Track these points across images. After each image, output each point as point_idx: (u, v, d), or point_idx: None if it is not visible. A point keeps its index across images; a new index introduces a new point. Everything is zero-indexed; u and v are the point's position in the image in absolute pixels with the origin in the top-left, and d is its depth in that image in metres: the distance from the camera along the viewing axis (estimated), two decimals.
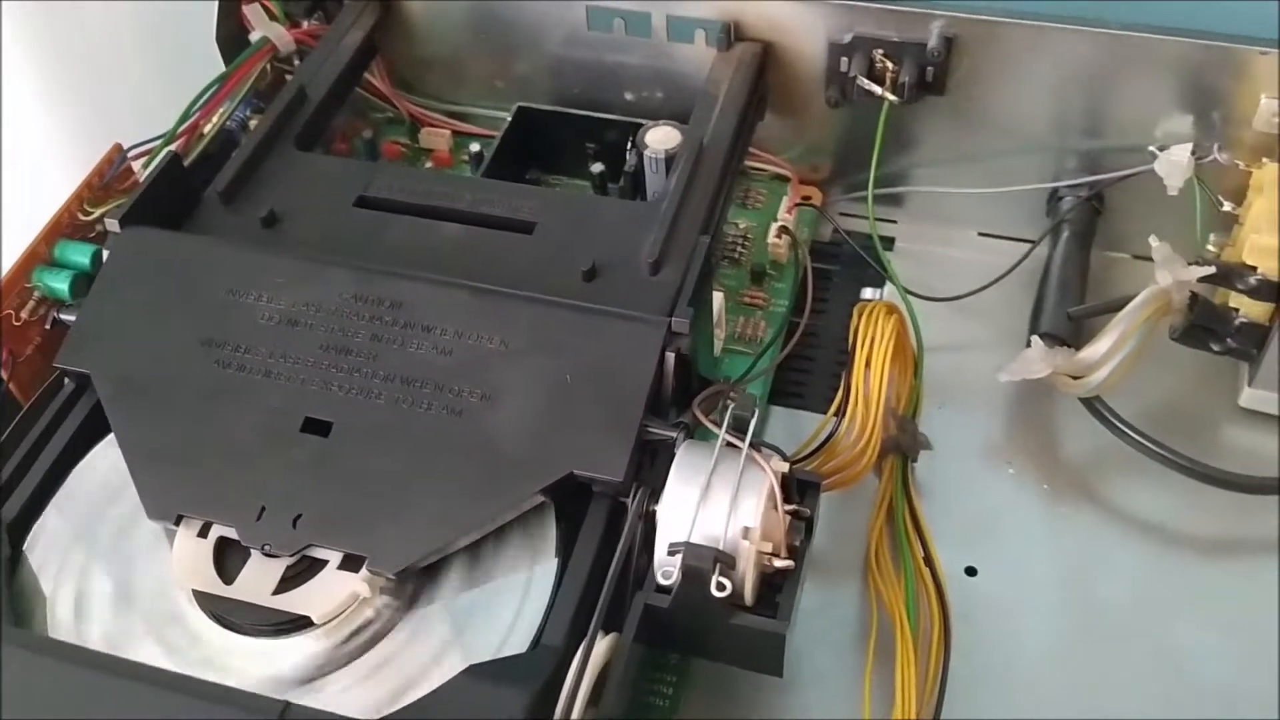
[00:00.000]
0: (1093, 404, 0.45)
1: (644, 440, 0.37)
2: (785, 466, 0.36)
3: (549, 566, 0.37)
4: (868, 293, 0.47)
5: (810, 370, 0.50)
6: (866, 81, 0.48)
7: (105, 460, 0.40)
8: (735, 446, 0.36)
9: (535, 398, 0.38)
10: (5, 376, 0.44)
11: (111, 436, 0.39)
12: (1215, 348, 0.46)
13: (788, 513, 0.36)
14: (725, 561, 0.33)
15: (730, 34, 0.50)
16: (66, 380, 0.41)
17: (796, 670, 0.40)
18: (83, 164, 0.47)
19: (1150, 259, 0.44)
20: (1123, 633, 0.42)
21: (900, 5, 0.47)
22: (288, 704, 0.32)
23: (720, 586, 0.33)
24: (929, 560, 0.42)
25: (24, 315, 0.44)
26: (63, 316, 0.42)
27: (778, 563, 0.35)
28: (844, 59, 0.49)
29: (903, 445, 0.45)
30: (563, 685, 0.32)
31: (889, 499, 0.44)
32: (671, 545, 0.34)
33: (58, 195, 0.46)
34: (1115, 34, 0.46)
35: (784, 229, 0.50)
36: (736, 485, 0.35)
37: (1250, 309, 0.44)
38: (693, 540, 0.34)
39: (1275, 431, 0.46)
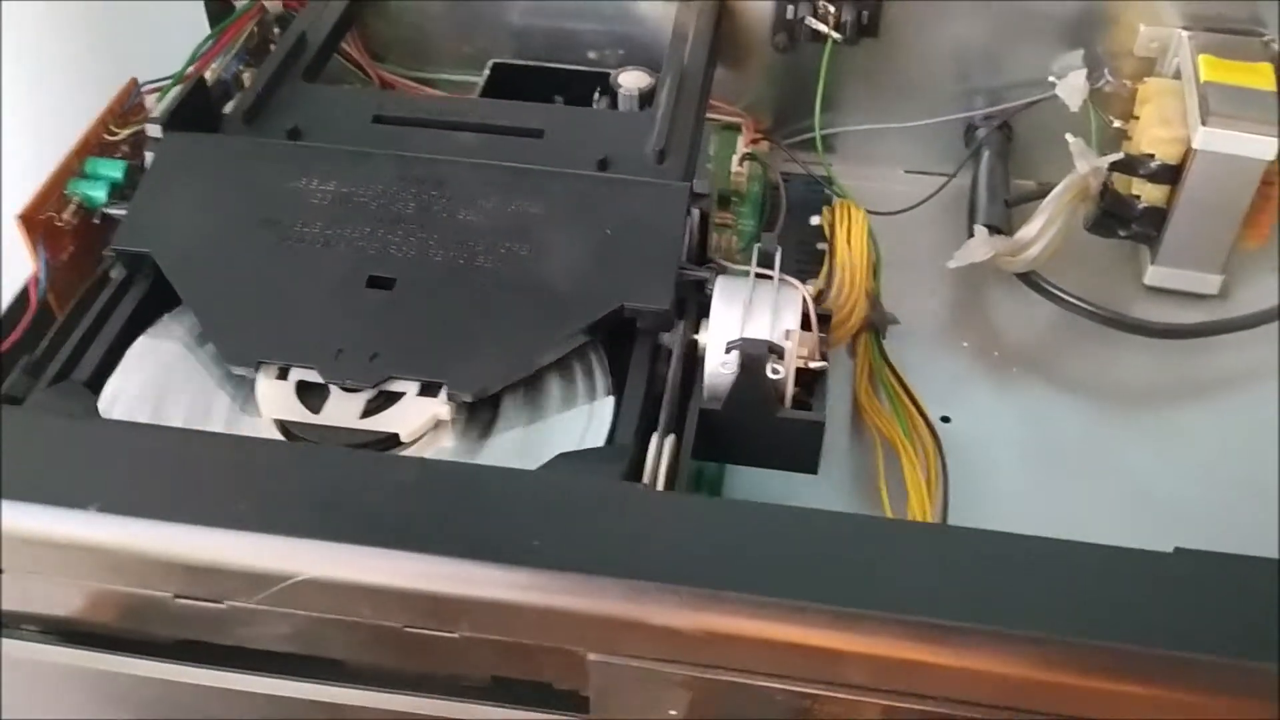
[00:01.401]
0: (1029, 278, 0.52)
1: (681, 280, 0.42)
2: (810, 289, 0.41)
3: (606, 402, 0.41)
4: (815, 219, 0.54)
5: None
6: (813, 21, 0.56)
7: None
8: (766, 277, 0.41)
9: (580, 249, 0.42)
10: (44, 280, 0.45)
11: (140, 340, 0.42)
12: (1122, 233, 0.54)
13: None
14: (776, 352, 0.38)
15: None
16: (112, 274, 0.44)
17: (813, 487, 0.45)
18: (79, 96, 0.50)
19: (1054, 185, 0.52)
20: (1080, 459, 0.48)
21: None
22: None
23: (774, 370, 0.38)
24: (912, 399, 0.48)
25: (65, 216, 0.46)
26: (111, 211, 0.45)
27: (813, 364, 0.40)
28: (790, 6, 0.56)
29: (874, 322, 0.51)
30: (641, 474, 0.37)
31: (868, 365, 0.50)
32: (729, 343, 0.39)
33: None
34: None
35: (749, 155, 0.56)
36: (775, 299, 0.40)
37: (1150, 195, 0.53)
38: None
39: (1177, 303, 0.54)
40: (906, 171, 0.61)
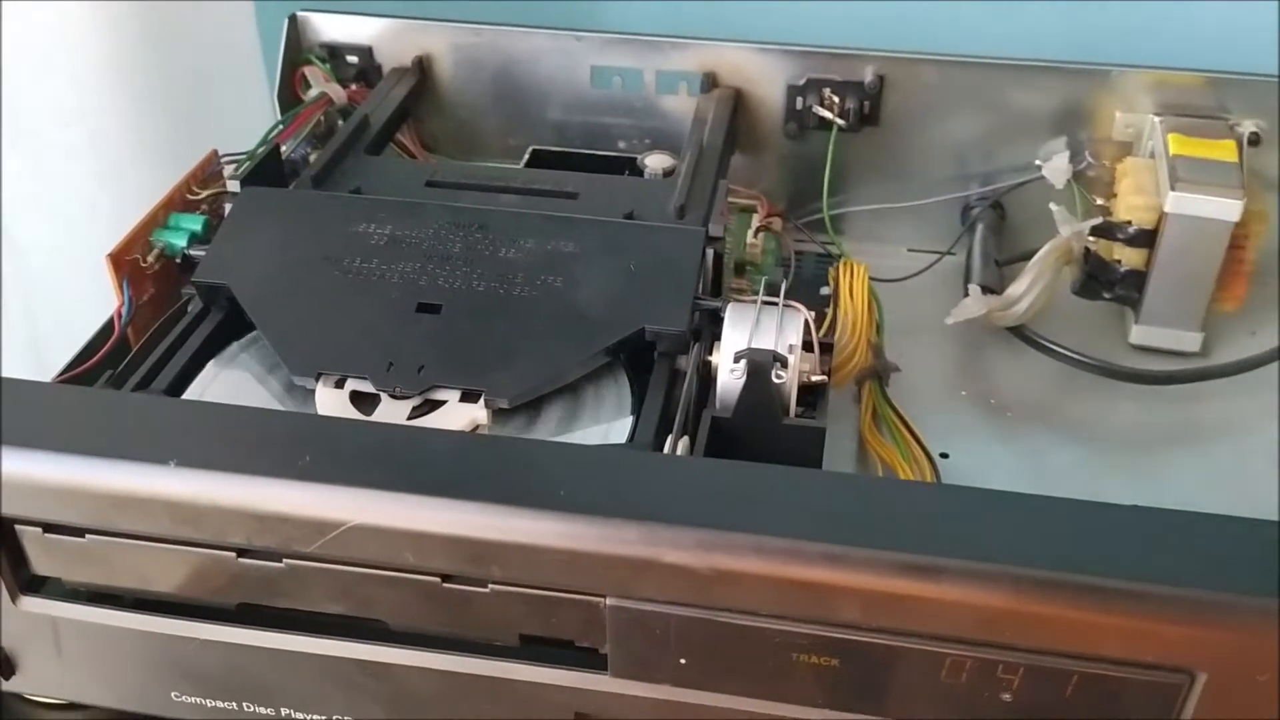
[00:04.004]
0: (1022, 332, 0.57)
1: (696, 308, 0.47)
2: (812, 314, 0.46)
3: (625, 421, 0.45)
4: (825, 290, 0.59)
5: None
6: (820, 109, 0.62)
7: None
8: (772, 303, 0.46)
9: (607, 281, 0.47)
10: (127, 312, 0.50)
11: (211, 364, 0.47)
12: (1106, 295, 0.58)
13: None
14: (780, 361, 0.43)
15: (708, 82, 0.64)
16: (190, 307, 0.49)
17: None
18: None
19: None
20: (1070, 494, 0.51)
21: (842, 50, 0.62)
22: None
23: (778, 376, 0.42)
24: (912, 433, 0.51)
25: (149, 259, 0.51)
26: (193, 252, 0.50)
27: (814, 377, 0.44)
28: (799, 98, 0.63)
29: (878, 370, 0.55)
30: None
31: (872, 407, 0.54)
32: (737, 353, 0.43)
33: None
34: (1002, 63, 0.61)
35: (764, 227, 0.62)
36: (780, 318, 0.45)
37: (1130, 258, 0.57)
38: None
39: (1161, 360, 0.58)
40: (909, 250, 0.66)
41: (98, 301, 0.51)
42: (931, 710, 0.35)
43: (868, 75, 0.62)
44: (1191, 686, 0.32)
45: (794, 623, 0.34)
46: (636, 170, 0.61)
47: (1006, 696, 0.34)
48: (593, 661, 0.37)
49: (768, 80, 0.63)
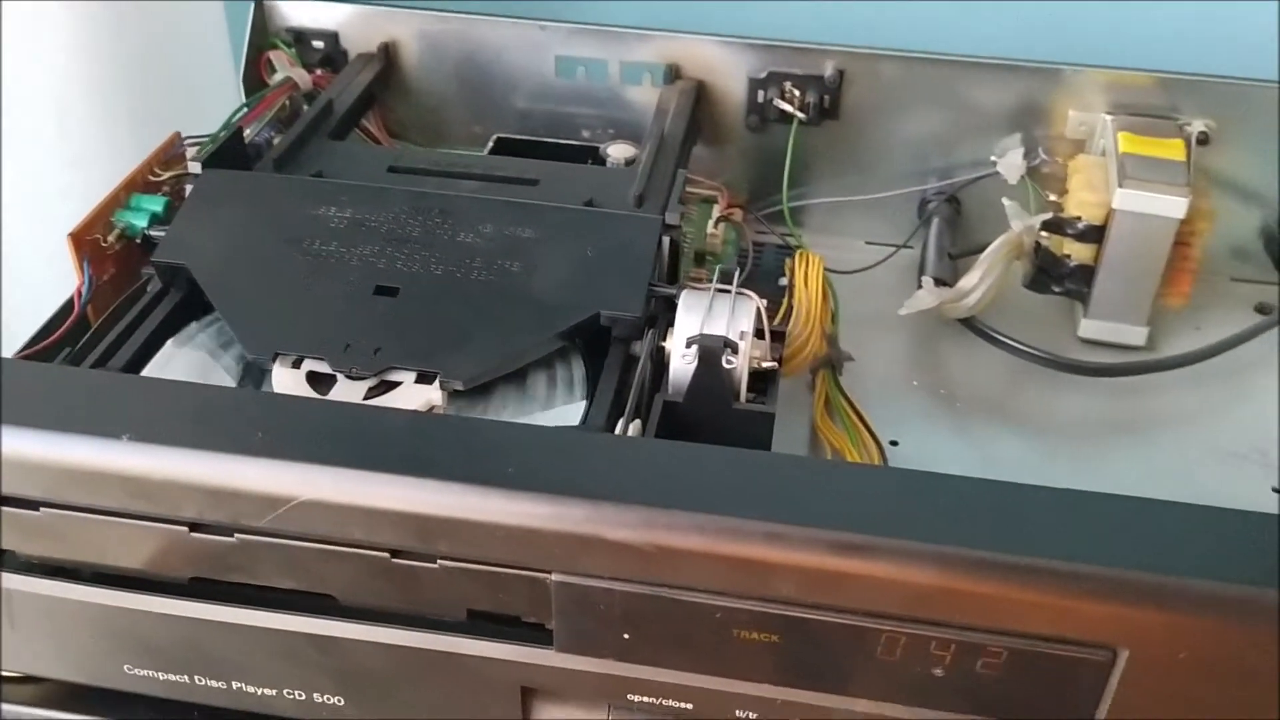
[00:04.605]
0: (973, 324, 0.58)
1: (652, 294, 0.47)
2: (764, 302, 0.47)
3: (579, 405, 0.46)
4: (783, 281, 0.60)
5: None
6: (781, 102, 0.63)
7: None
8: (725, 291, 0.47)
9: (565, 266, 0.48)
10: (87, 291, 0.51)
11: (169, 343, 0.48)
12: (1056, 289, 0.60)
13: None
14: (731, 347, 0.44)
15: (672, 73, 0.64)
16: (149, 288, 0.49)
17: None
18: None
19: None
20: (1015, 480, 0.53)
21: (803, 44, 0.62)
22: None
23: (729, 361, 0.43)
24: (863, 421, 0.53)
25: (109, 239, 0.52)
26: (153, 233, 0.51)
27: (765, 364, 0.45)
28: (761, 91, 0.64)
29: (832, 359, 0.56)
30: None
31: (825, 396, 0.55)
32: (689, 338, 0.44)
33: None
34: (960, 60, 0.62)
35: (724, 218, 0.63)
36: (732, 305, 0.45)
37: (1079, 253, 0.58)
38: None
39: (1108, 354, 0.59)
40: (867, 243, 0.67)
41: (60, 282, 0.52)
42: (868, 686, 0.36)
43: (828, 70, 0.63)
44: (1114, 663, 0.33)
45: (734, 599, 0.35)
46: (600, 160, 0.62)
47: (938, 672, 0.35)
48: (538, 637, 0.38)
49: (730, 73, 0.64)
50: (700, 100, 0.65)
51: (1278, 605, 0.31)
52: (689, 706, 0.38)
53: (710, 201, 0.66)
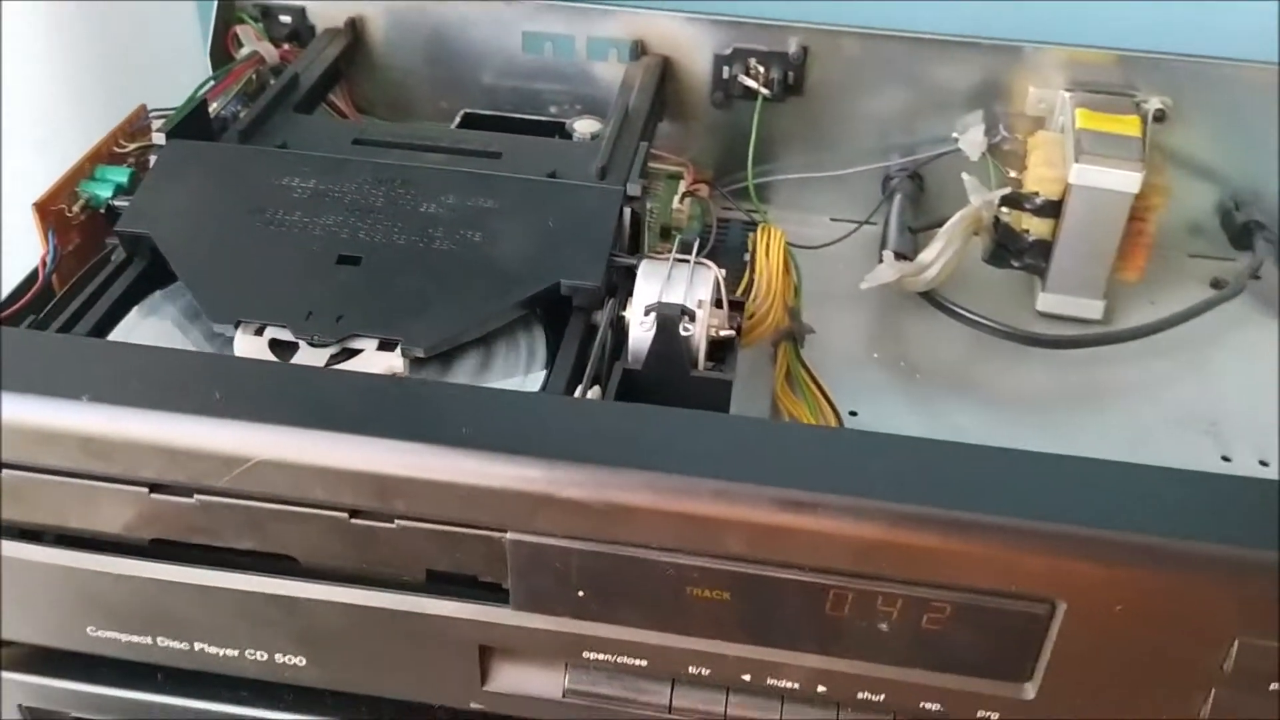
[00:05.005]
0: (933, 297, 0.59)
1: (613, 264, 0.48)
2: (723, 272, 0.47)
3: (539, 374, 0.46)
4: (748, 256, 0.61)
5: None
6: (745, 78, 0.63)
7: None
8: (684, 261, 0.47)
9: (526, 237, 0.48)
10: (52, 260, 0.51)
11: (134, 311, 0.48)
12: (1015, 264, 0.61)
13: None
14: (688, 315, 0.44)
15: (638, 49, 0.65)
16: (113, 257, 0.50)
17: None
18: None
19: None
20: None
21: (767, 21, 0.63)
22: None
23: (686, 329, 0.44)
24: (822, 391, 0.53)
25: (74, 210, 0.52)
26: (118, 203, 0.51)
27: (722, 332, 0.46)
28: (726, 67, 0.64)
29: (794, 331, 0.57)
30: None
31: (786, 368, 0.56)
32: (647, 306, 0.45)
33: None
34: (923, 38, 0.63)
35: (690, 193, 0.63)
36: (690, 274, 0.46)
37: (1037, 228, 0.59)
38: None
39: (1066, 327, 0.60)
40: (832, 219, 0.68)
41: (25, 252, 0.52)
42: (818, 641, 0.37)
43: (792, 46, 0.63)
44: (1053, 615, 0.34)
45: (686, 556, 0.36)
46: (566, 135, 0.62)
47: (885, 626, 0.36)
48: (496, 596, 0.39)
49: (695, 49, 0.65)
50: (666, 76, 0.65)
51: (1208, 557, 0.32)
52: (643, 663, 0.39)
53: (676, 177, 0.66)
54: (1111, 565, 0.33)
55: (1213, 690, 0.35)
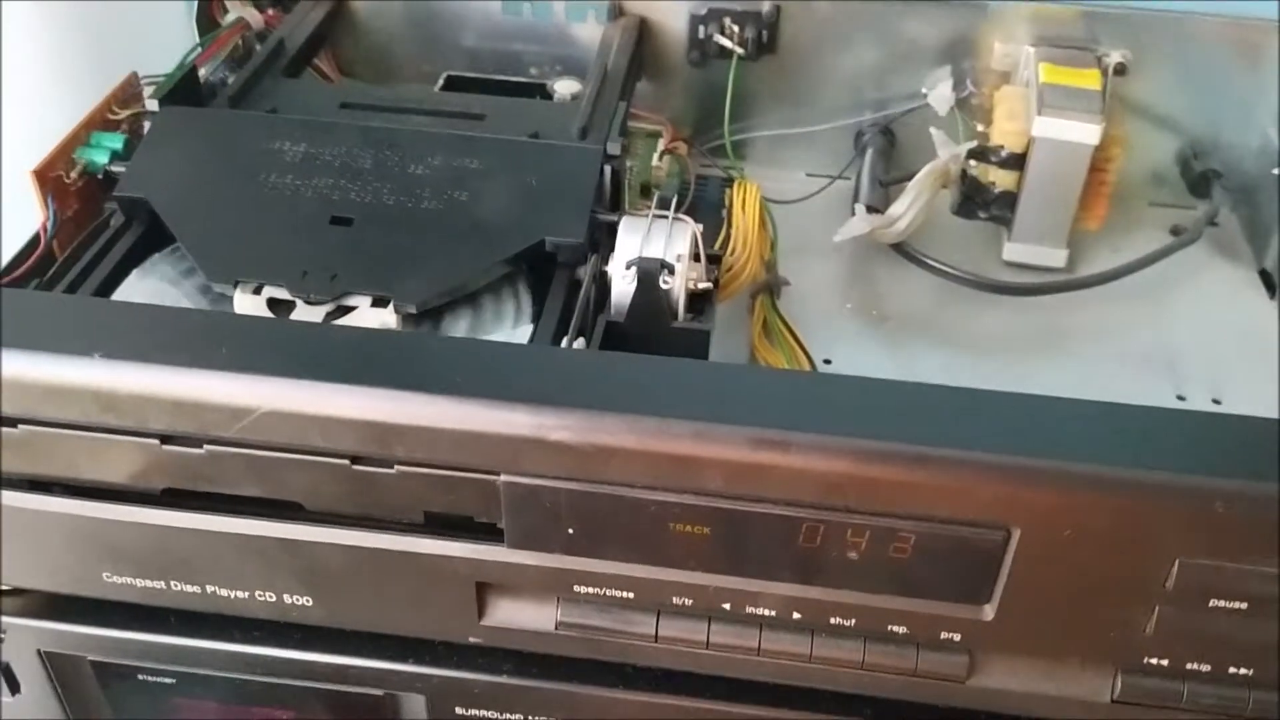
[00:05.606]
0: (903, 249, 0.61)
1: (594, 221, 0.50)
2: (700, 227, 0.49)
3: (526, 329, 0.49)
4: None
5: None
6: (721, 38, 0.65)
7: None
8: (663, 217, 0.50)
9: (510, 196, 0.51)
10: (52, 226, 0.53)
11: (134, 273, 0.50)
12: (982, 215, 0.63)
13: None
14: (668, 268, 0.47)
15: (615, 10, 0.67)
16: (112, 221, 0.52)
17: None
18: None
19: None
20: None
21: None
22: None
23: (665, 282, 0.46)
24: (797, 340, 0.56)
25: (72, 175, 0.54)
26: (114, 169, 0.53)
27: (701, 285, 0.48)
28: (701, 27, 0.66)
29: (770, 284, 0.59)
30: None
31: (763, 319, 0.58)
32: (628, 261, 0.47)
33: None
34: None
35: (669, 151, 0.65)
36: (669, 230, 0.48)
37: (1002, 180, 0.62)
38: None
39: (1031, 275, 0.63)
40: (807, 175, 0.70)
41: (24, 219, 0.53)
42: (793, 571, 0.40)
43: (765, 6, 0.65)
44: (1009, 541, 0.37)
45: (667, 493, 0.38)
46: (547, 96, 0.64)
47: (854, 556, 0.38)
48: (491, 535, 0.41)
49: (671, 10, 0.66)
50: (643, 37, 0.67)
51: (1149, 484, 0.35)
52: (630, 595, 0.41)
53: (655, 136, 0.68)
54: (1061, 493, 0.36)
55: (1157, 607, 0.38)
